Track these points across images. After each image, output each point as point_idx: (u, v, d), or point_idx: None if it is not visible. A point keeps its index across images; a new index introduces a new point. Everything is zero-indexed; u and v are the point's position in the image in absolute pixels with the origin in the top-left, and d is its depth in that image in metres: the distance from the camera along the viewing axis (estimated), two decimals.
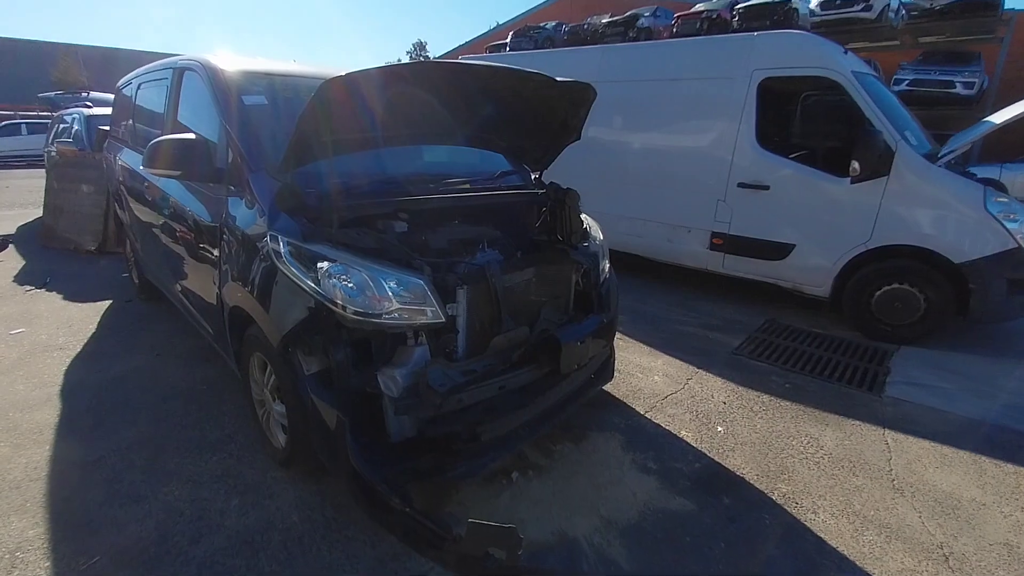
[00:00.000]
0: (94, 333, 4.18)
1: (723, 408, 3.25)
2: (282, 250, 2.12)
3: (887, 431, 3.08)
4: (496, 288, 2.36)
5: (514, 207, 2.95)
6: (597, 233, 3.08)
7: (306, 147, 2.20)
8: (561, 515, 2.28)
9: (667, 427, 3.01)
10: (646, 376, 3.64)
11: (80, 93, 11.44)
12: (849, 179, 4.28)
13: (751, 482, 2.56)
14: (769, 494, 2.48)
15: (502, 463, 2.52)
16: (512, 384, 2.37)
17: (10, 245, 6.71)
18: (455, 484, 2.36)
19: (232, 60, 2.96)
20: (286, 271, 2.10)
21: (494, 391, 2.32)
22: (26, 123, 18.13)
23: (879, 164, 4.18)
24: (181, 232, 3.14)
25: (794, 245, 4.67)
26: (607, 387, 3.33)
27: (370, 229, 2.33)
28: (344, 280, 2.02)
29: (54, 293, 5.10)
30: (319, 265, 2.04)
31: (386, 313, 2.05)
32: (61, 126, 8.65)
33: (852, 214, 4.36)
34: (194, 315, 3.25)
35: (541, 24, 16.14)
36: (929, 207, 4.13)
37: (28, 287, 5.26)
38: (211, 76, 2.81)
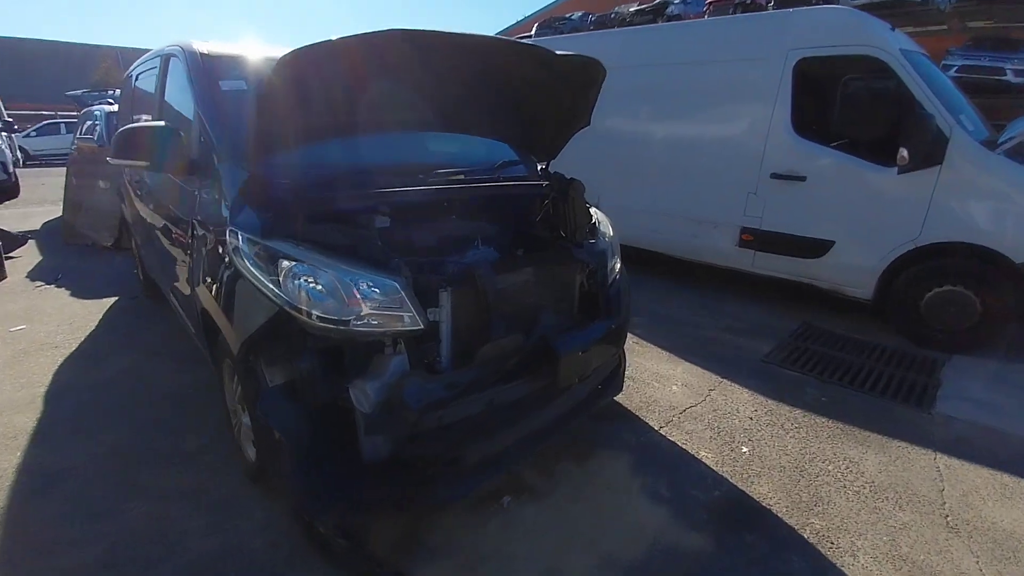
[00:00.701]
0: (93, 331, 4.09)
1: (749, 425, 2.91)
2: (241, 247, 1.90)
3: (938, 455, 2.69)
4: (486, 290, 2.09)
5: (513, 200, 2.68)
6: (607, 229, 2.77)
7: (270, 132, 1.97)
8: (555, 550, 2.01)
9: (684, 446, 2.70)
10: (663, 386, 3.32)
11: (106, 91, 11.63)
12: (896, 169, 3.85)
13: (779, 515, 2.23)
14: (800, 530, 2.15)
15: (494, 484, 2.26)
16: (503, 398, 2.11)
17: (29, 241, 6.78)
18: (438, 509, 2.11)
19: (217, 45, 2.76)
20: (244, 271, 1.88)
21: (482, 406, 2.06)
22: (65, 123, 18.70)
23: (931, 152, 3.73)
24: (164, 228, 2.98)
25: (833, 242, 4.25)
26: (618, 398, 3.03)
27: (345, 224, 2.09)
28: (309, 282, 1.79)
29: (63, 289, 5.07)
30: (281, 265, 1.81)
31: (356, 319, 1.81)
32: (88, 123, 8.75)
33: (899, 208, 3.93)
34: (181, 314, 3.09)
35: (567, 15, 15.76)
36: (988, 200, 3.68)
37: (39, 283, 5.25)
38: (189, 60, 2.62)
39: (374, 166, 2.38)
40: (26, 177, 9.76)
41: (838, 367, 3.64)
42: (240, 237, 1.91)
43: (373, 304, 1.84)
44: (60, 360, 3.57)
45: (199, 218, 2.31)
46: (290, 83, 1.83)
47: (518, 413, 2.14)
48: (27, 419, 2.85)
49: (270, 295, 1.81)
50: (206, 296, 2.17)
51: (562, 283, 2.43)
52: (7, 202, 10.16)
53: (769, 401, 3.17)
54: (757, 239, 4.65)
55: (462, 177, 2.55)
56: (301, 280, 1.79)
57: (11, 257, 6.14)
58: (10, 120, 11.67)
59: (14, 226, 7.38)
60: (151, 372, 3.41)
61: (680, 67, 5.03)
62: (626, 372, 3.37)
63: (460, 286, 2.05)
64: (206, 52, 2.61)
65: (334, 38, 1.74)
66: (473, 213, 2.52)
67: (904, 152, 3.77)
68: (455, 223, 2.44)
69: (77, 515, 2.15)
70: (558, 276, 2.41)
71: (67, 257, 6.27)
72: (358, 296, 1.80)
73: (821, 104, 4.77)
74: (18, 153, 13.43)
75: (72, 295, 4.92)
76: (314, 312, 1.77)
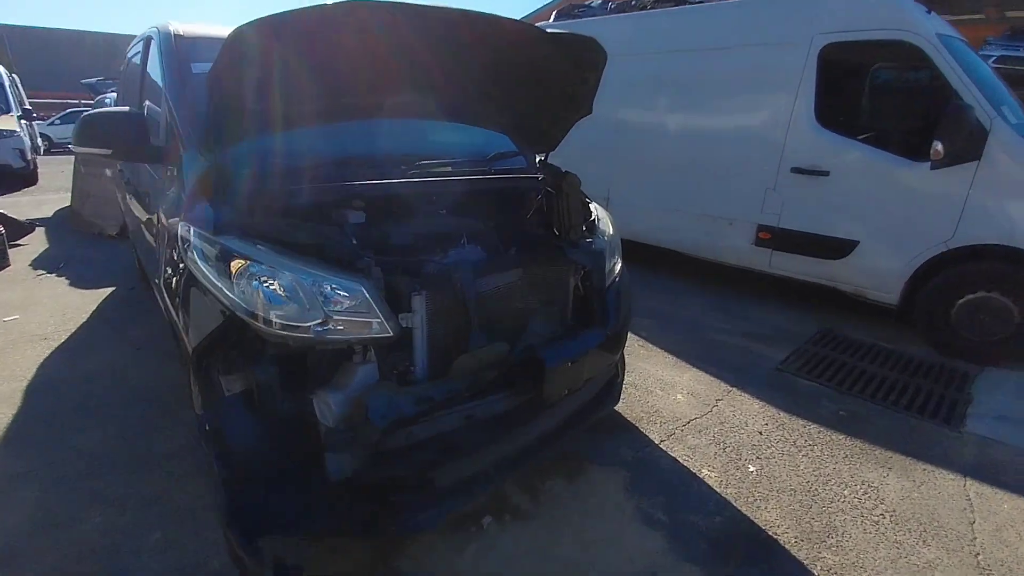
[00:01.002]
0: (85, 322, 4.00)
1: (758, 440, 2.69)
2: (192, 243, 1.74)
3: (969, 481, 2.44)
4: (465, 294, 1.90)
5: (504, 195, 2.48)
6: (607, 227, 2.56)
7: (229, 117, 1.80)
8: None
9: (686, 463, 2.49)
10: (667, 394, 3.10)
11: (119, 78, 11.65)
12: (929, 164, 3.54)
13: (787, 547, 2.02)
14: (810, 567, 1.93)
15: (474, 504, 2.08)
16: (482, 413, 1.93)
17: (37, 228, 6.78)
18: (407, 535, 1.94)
19: (197, 26, 2.61)
20: (195, 270, 1.72)
21: (458, 422, 1.88)
22: (86, 111, 18.91)
23: (968, 146, 3.42)
24: (146, 220, 2.84)
25: (857, 242, 3.97)
26: (618, 407, 2.82)
27: (313, 220, 1.91)
28: (265, 283, 1.62)
29: (63, 279, 5.02)
30: (234, 264, 1.65)
31: (317, 325, 1.64)
32: None
33: (931, 206, 3.63)
34: (162, 309, 2.97)
35: (586, 3, 15.40)
36: None
37: (40, 272, 5.21)
38: (162, 41, 2.46)
39: (350, 156, 2.20)
40: (48, 164, 9.85)
41: (858, 378, 3.38)
42: (191, 232, 1.75)
43: (336, 309, 1.66)
44: (47, 352, 3.49)
45: (162, 210, 2.16)
46: (246, 61, 1.66)
47: (500, 430, 1.95)
48: (2, 415, 2.76)
49: (222, 298, 1.65)
50: (164, 295, 2.02)
51: (553, 286, 2.23)
52: (25, 189, 10.32)
53: (781, 414, 2.93)
54: (775, 238, 4.37)
55: (448, 169, 2.36)
56: (256, 282, 1.62)
57: (18, 245, 6.14)
58: (29, 108, 11.81)
59: (28, 213, 7.39)
60: (135, 368, 3.31)
61: (694, 54, 4.74)
62: (628, 378, 3.18)
63: (436, 289, 1.86)
64: (180, 33, 2.45)
65: (296, 9, 1.56)
66: (459, 209, 2.33)
67: (939, 146, 3.46)
68: (439, 219, 2.26)
69: (30, 525, 2.03)
70: (549, 278, 2.21)
71: (73, 245, 6.24)
72: (319, 300, 1.63)
73: (848, 93, 4.48)
74: (39, 141, 13.63)
75: (71, 284, 4.86)
76: (269, 317, 1.60)
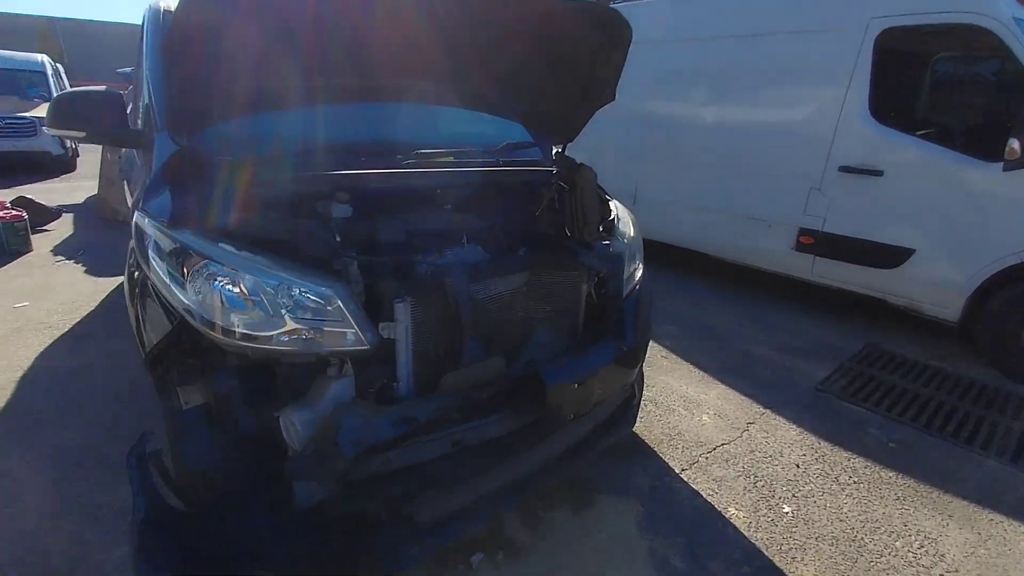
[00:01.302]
0: (92, 311, 3.94)
1: (795, 474, 2.37)
2: (147, 236, 1.54)
3: None
4: (458, 301, 1.66)
5: (513, 190, 2.22)
6: (627, 228, 2.28)
7: (197, 95, 1.60)
8: None
9: (710, 498, 2.20)
10: (691, 414, 2.80)
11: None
12: (1002, 164, 3.13)
13: None
14: None
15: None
16: (473, 438, 1.69)
17: (64, 215, 6.85)
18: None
19: None
20: (146, 266, 1.53)
21: (445, 448, 1.64)
22: None
23: None
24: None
25: (913, 250, 3.56)
26: (637, 427, 2.54)
27: (289, 213, 1.71)
28: (223, 285, 1.41)
29: (80, 265, 5.00)
30: (189, 262, 1.44)
31: (281, 335, 1.43)
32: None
33: (1003, 212, 3.21)
34: None
35: None
36: None
37: (60, 258, 5.22)
38: (152, 14, 2.29)
39: (339, 143, 1.98)
40: (89, 152, 10.01)
41: (911, 403, 3.01)
42: (147, 223, 1.56)
43: (301, 317, 1.45)
44: (49, 342, 3.42)
45: (134, 198, 1.99)
46: (212, 27, 1.45)
47: (493, 457, 1.71)
48: None
49: (173, 300, 1.45)
50: (124, 289, 1.84)
51: (563, 294, 1.97)
52: (63, 175, 10.58)
53: (822, 443, 2.60)
54: (818, 243, 3.99)
55: (451, 159, 2.12)
56: (213, 283, 1.41)
57: (45, 230, 6.21)
58: None
59: (60, 199, 7.50)
60: (135, 359, 3.18)
61: (734, 41, 4.37)
62: (648, 393, 2.91)
63: (423, 296, 1.63)
64: (168, 8, 2.28)
65: None
66: (461, 204, 2.09)
67: (1016, 144, 3.04)
68: (437, 216, 2.02)
69: None
70: (558, 285, 1.95)
71: (96, 232, 6.28)
72: (282, 306, 1.42)
73: (907, 84, 4.04)
74: None
75: (87, 272, 4.84)
76: (226, 325, 1.40)
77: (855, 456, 2.51)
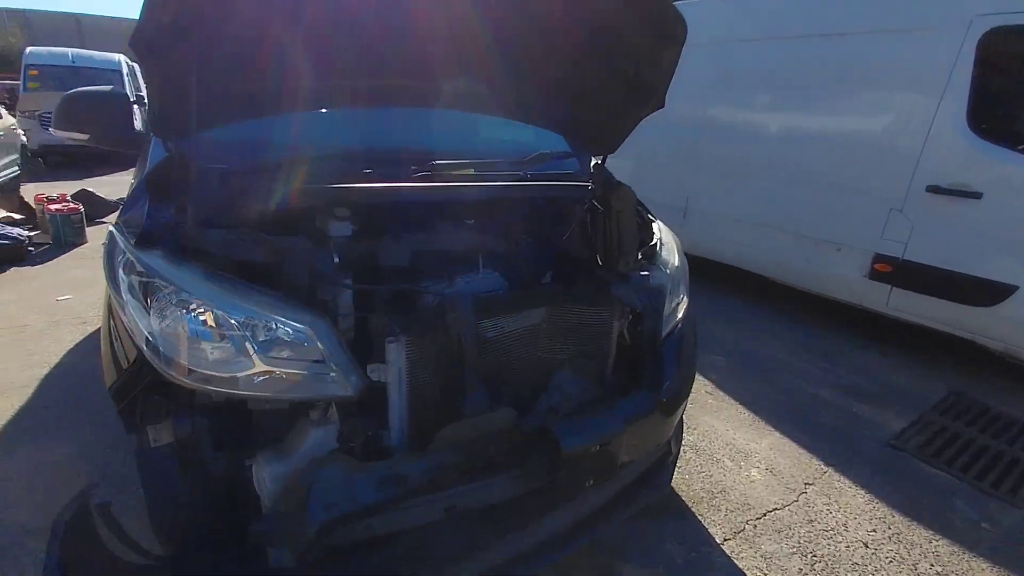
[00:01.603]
0: None
1: (863, 556, 1.99)
2: (118, 251, 1.38)
3: None
4: (463, 340, 1.42)
5: (540, 208, 1.97)
6: (671, 255, 1.97)
7: (182, 93, 1.43)
8: None
9: None
10: (739, 467, 2.45)
11: None
12: None
13: None
14: None
15: None
16: (472, 503, 1.44)
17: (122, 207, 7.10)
18: None
19: None
20: (112, 286, 1.37)
21: (437, 514, 1.40)
22: None
23: None
24: None
25: (1016, 287, 3.05)
26: (675, 478, 2.22)
27: (279, 231, 1.52)
28: (186, 316, 1.23)
29: None
30: (152, 286, 1.27)
31: (249, 377, 1.23)
32: None
33: None
34: None
35: None
36: None
37: None
38: None
39: (348, 150, 1.79)
40: None
41: (1008, 469, 2.54)
42: (117, 239, 1.40)
43: (277, 356, 1.25)
44: (80, 338, 3.43)
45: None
46: (196, 13, 1.27)
47: (495, 527, 1.46)
48: (7, 405, 2.65)
49: (134, 328, 1.28)
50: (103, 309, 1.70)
51: (590, 332, 1.70)
52: (132, 168, 11.14)
53: (896, 517, 2.20)
54: (897, 271, 3.51)
55: (471, 172, 1.88)
56: (173, 313, 1.23)
57: (102, 222, 6.44)
58: (141, 95, 12.77)
59: (124, 192, 7.82)
60: None
61: (805, 41, 3.92)
62: (689, 437, 2.59)
63: (420, 334, 1.40)
64: None
65: None
66: (481, 222, 1.85)
67: None
68: (451, 235, 1.79)
69: None
70: (585, 322, 1.68)
71: None
72: (249, 344, 1.22)
73: (1016, 92, 3.50)
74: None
75: None
76: (183, 361, 1.21)
77: (937, 537, 2.10)
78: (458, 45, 1.73)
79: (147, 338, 1.24)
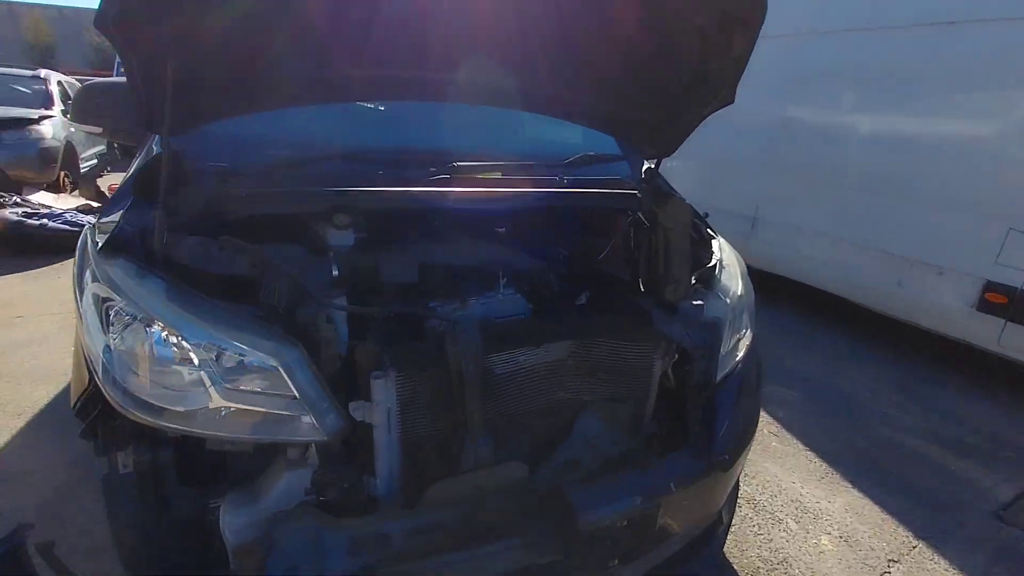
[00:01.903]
0: None
1: None
2: (85, 258, 1.24)
3: None
4: (465, 377, 1.19)
5: (576, 220, 1.69)
6: (734, 280, 1.64)
7: (175, 82, 1.27)
8: None
9: None
10: (805, 532, 2.07)
11: None
12: None
13: None
14: None
15: None
16: (468, 574, 1.19)
17: None
18: None
19: None
20: (78, 296, 1.23)
21: None
22: None
23: None
24: None
25: None
26: (728, 542, 1.88)
27: (269, 238, 1.34)
28: (139, 336, 1.07)
29: None
30: (109, 299, 1.11)
31: (206, 412, 1.05)
32: None
33: None
34: None
35: None
36: None
37: None
38: None
39: (359, 149, 1.59)
40: None
41: None
42: (89, 240, 1.26)
43: (240, 389, 1.06)
44: None
45: None
46: None
47: None
48: (42, 394, 2.68)
49: (89, 343, 1.13)
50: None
51: (625, 372, 1.41)
52: None
53: None
54: (1013, 304, 2.95)
55: (498, 175, 1.64)
56: (127, 332, 1.07)
57: None
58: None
59: None
60: None
61: (904, 32, 3.40)
62: (747, 487, 2.24)
63: (415, 367, 1.18)
64: None
65: None
66: (505, 233, 1.61)
67: None
68: (469, 248, 1.55)
69: None
70: (620, 359, 1.39)
71: None
72: (205, 375, 1.04)
73: None
74: None
75: None
76: (131, 389, 1.05)
77: None
78: (489, 29, 1.49)
79: (101, 358, 1.09)
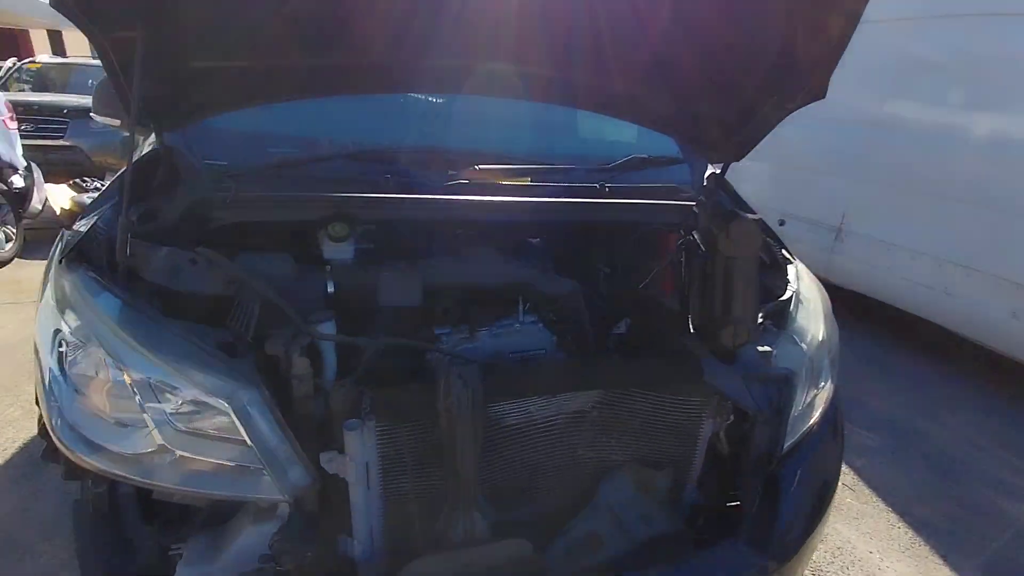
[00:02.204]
0: None
1: None
2: (54, 271, 1.12)
3: None
4: (461, 433, 0.97)
5: (617, 230, 1.42)
6: (812, 320, 1.32)
7: (170, 74, 1.13)
8: None
9: None
10: None
11: None
12: None
13: None
14: None
15: None
16: None
17: None
18: None
19: None
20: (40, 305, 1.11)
21: None
22: None
23: None
24: None
25: None
26: None
27: (256, 250, 1.17)
28: (81, 363, 0.92)
29: None
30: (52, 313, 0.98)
31: (150, 458, 0.90)
32: None
33: None
34: None
35: None
36: None
37: None
38: None
39: (368, 148, 1.39)
40: None
41: None
42: (59, 248, 1.13)
43: (187, 433, 0.90)
44: None
45: None
46: None
47: None
48: None
49: (41, 363, 1.00)
50: None
51: (664, 431, 1.14)
52: None
53: None
54: None
55: (527, 181, 1.40)
56: (72, 356, 0.93)
57: None
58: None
59: None
60: None
61: None
62: (818, 556, 1.88)
63: (399, 417, 0.97)
64: None
65: None
66: (531, 248, 1.37)
67: None
68: (486, 265, 1.33)
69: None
70: (658, 415, 1.12)
71: None
72: (148, 414, 0.88)
73: None
74: None
75: None
76: (64, 419, 0.91)
77: None
78: (523, 5, 1.24)
79: (46, 377, 0.96)
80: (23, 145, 4.47)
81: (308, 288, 1.19)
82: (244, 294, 1.04)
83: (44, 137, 5.51)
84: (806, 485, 1.19)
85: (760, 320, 1.25)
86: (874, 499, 2.25)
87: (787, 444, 1.16)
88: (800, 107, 1.29)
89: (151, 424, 0.88)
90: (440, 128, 1.55)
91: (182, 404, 0.89)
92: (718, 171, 1.60)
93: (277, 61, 1.28)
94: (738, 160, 1.53)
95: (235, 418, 0.87)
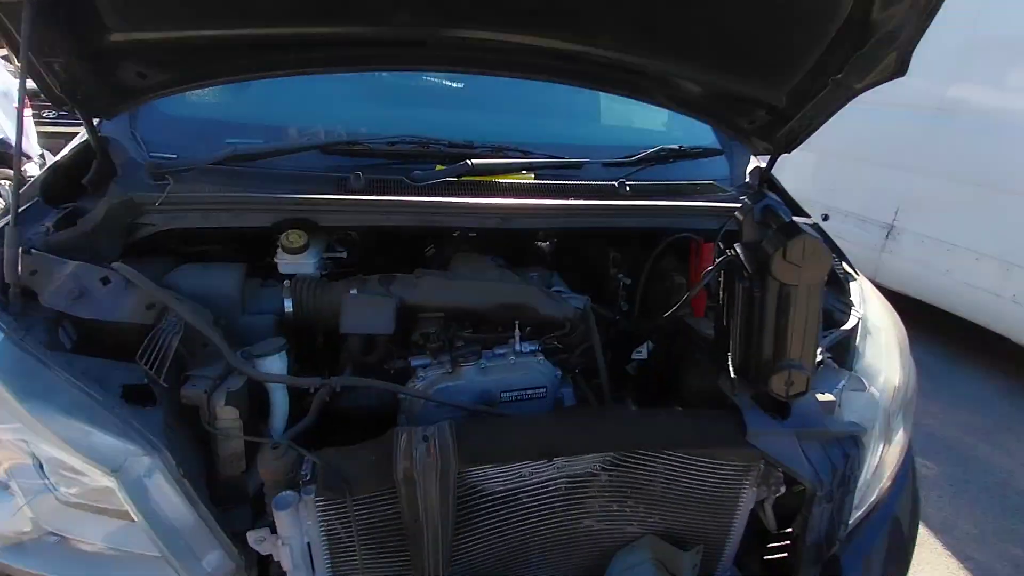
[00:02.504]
0: None
1: None
2: None
3: None
4: (426, 509, 0.75)
5: (637, 248, 1.18)
6: (888, 359, 1.05)
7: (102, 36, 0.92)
8: None
9: None
10: None
11: None
12: None
13: None
14: None
15: None
16: None
17: None
18: None
19: None
20: None
21: None
22: None
23: None
24: None
25: None
26: None
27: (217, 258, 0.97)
28: None
29: None
30: None
31: (18, 538, 0.71)
32: None
33: None
34: None
35: None
36: None
37: None
38: None
39: (339, 138, 1.17)
40: None
41: None
42: None
43: (72, 509, 0.70)
44: None
45: None
46: None
47: None
48: None
49: None
50: None
51: (693, 501, 0.90)
52: None
53: None
54: None
55: (531, 179, 1.15)
56: None
57: None
58: None
59: None
60: None
61: None
62: None
63: (343, 489, 0.75)
64: None
65: None
66: (534, 258, 1.13)
67: None
68: (474, 284, 1.09)
69: None
70: (686, 479, 0.88)
71: None
72: (16, 483, 0.68)
73: None
74: None
75: None
76: None
77: None
78: None
79: None
80: None
81: (261, 311, 0.98)
82: (167, 320, 0.83)
83: None
84: (875, 565, 0.93)
85: (819, 356, 0.99)
86: (931, 540, 1.96)
87: (856, 516, 0.91)
88: (872, 87, 1.02)
89: (20, 495, 0.69)
90: (427, 114, 1.31)
91: (61, 473, 0.69)
92: (763, 165, 1.33)
93: (225, 31, 1.06)
94: (789, 151, 1.26)
95: (122, 494, 0.67)
